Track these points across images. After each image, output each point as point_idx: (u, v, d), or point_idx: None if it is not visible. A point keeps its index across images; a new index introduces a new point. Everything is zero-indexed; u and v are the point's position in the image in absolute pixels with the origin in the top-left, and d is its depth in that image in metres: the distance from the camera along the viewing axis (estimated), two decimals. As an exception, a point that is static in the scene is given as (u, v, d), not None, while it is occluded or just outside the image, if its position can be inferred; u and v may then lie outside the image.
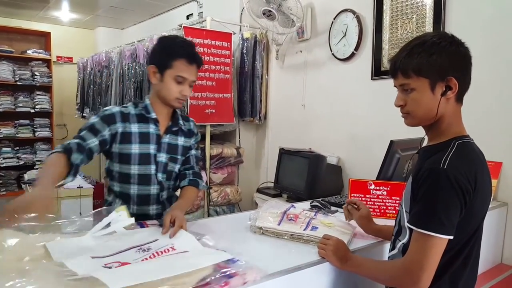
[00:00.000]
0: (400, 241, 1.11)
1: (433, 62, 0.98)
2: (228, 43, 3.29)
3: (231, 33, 3.35)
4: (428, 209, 0.96)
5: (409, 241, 1.03)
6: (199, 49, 3.12)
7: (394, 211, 1.75)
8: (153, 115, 1.46)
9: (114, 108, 1.44)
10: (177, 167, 1.55)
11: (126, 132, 1.40)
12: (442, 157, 0.98)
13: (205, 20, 3.26)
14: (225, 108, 3.34)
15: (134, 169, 1.42)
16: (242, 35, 3.45)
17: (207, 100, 3.21)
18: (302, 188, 2.61)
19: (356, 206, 1.45)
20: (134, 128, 1.41)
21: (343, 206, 1.50)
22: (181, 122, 1.56)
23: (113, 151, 1.44)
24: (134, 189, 1.45)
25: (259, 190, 3.10)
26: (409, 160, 1.92)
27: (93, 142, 1.36)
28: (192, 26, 3.23)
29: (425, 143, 1.14)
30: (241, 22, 3.54)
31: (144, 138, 1.43)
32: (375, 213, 1.77)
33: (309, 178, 2.60)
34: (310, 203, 1.89)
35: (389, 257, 1.18)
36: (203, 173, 3.24)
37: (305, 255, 1.24)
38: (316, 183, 2.60)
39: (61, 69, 6.03)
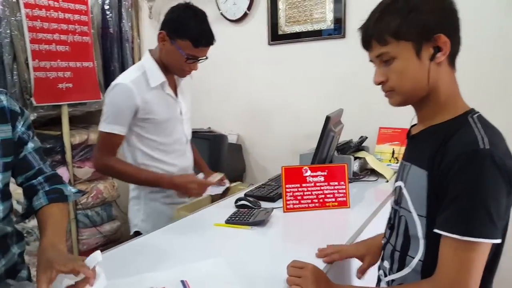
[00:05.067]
0: (413, 257, 0.82)
1: (414, 20, 0.78)
2: (83, -5, 2.49)
3: (85, -19, 2.53)
4: (474, 207, 0.69)
5: (429, 257, 0.78)
6: (40, 1, 2.25)
7: (333, 199, 1.48)
8: None
9: None
10: None
11: None
12: (472, 135, 0.73)
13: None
14: (86, 81, 2.56)
15: None
16: (100, -15, 2.67)
17: (60, 71, 2.38)
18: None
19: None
20: None
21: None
22: None
23: None
24: None
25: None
26: (337, 136, 1.68)
27: None
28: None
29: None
30: (97, -32, 2.73)
31: None
32: (314, 204, 1.47)
33: (211, 162, 2.17)
34: (235, 203, 1.48)
35: (393, 281, 0.88)
36: (64, 170, 2.46)
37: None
38: (219, 167, 2.19)
39: None
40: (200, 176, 1.75)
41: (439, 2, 0.80)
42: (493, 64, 1.85)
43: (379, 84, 0.85)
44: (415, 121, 0.90)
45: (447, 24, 0.79)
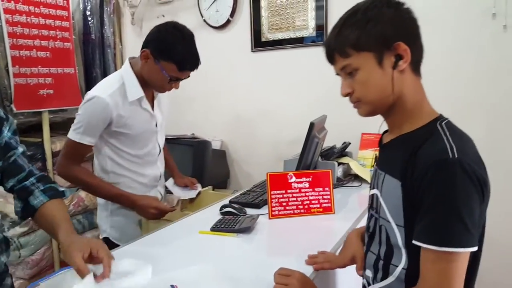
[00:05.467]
0: (396, 266, 0.83)
1: (373, 30, 0.80)
2: (65, 1, 2.45)
3: (67, -13, 2.50)
4: (448, 217, 0.70)
5: (412, 266, 0.78)
6: (21, 7, 2.22)
7: (318, 205, 1.50)
8: None
9: None
10: None
11: None
12: (442, 144, 0.74)
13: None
14: (67, 87, 2.52)
15: None
16: (82, -10, 2.64)
17: (41, 77, 2.34)
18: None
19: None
20: None
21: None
22: None
23: None
24: None
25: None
26: (321, 142, 1.70)
27: None
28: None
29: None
30: (78, -27, 2.70)
31: None
32: (299, 211, 1.49)
33: (195, 169, 2.19)
34: (220, 210, 1.48)
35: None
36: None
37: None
38: (203, 173, 2.21)
39: None
40: (170, 182, 1.80)
41: (396, 12, 0.81)
42: (475, 70, 1.91)
43: (346, 95, 0.86)
44: (384, 127, 0.91)
45: (406, 32, 0.81)
